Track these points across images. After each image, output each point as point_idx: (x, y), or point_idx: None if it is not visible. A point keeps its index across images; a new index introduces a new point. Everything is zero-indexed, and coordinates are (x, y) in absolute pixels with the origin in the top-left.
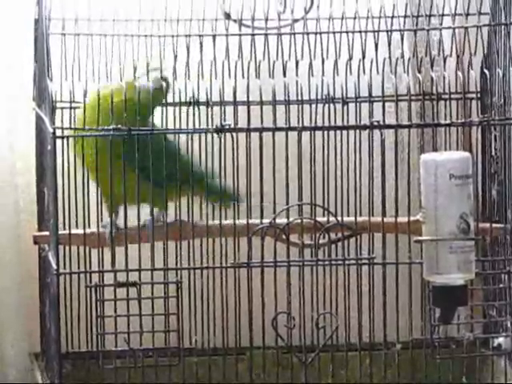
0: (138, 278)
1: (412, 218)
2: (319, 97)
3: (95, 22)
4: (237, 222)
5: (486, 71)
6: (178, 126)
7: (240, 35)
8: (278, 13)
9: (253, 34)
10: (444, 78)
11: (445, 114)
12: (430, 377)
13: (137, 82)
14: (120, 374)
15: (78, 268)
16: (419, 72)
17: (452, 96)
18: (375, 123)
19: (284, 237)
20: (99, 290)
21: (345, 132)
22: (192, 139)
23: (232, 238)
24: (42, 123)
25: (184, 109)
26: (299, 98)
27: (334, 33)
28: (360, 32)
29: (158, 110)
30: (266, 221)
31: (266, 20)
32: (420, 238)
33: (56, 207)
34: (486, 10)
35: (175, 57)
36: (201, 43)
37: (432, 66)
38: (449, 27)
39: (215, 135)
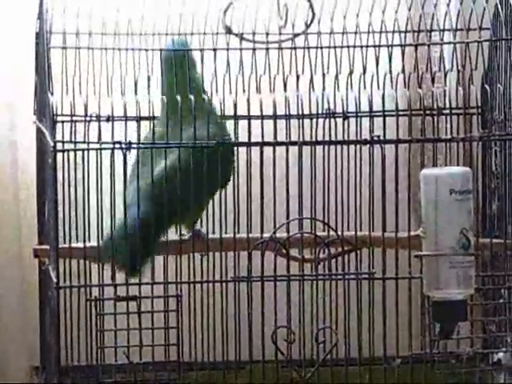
0: (137, 292)
1: (412, 233)
2: (320, 111)
3: (96, 36)
4: (237, 236)
5: (486, 86)
6: None
7: (241, 49)
8: (279, 27)
9: (254, 49)
10: (445, 93)
11: (445, 128)
12: None
13: None
14: None
15: (78, 282)
16: (420, 87)
17: (453, 111)
18: (376, 138)
19: (284, 251)
20: (99, 304)
21: (345, 147)
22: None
23: (232, 252)
24: (43, 136)
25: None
26: (300, 112)
27: (334, 47)
28: (361, 47)
29: None
30: (266, 235)
31: (267, 34)
32: (420, 253)
33: (56, 221)
34: (486, 25)
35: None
36: (202, 57)
37: (433, 81)
38: (449, 42)
39: None
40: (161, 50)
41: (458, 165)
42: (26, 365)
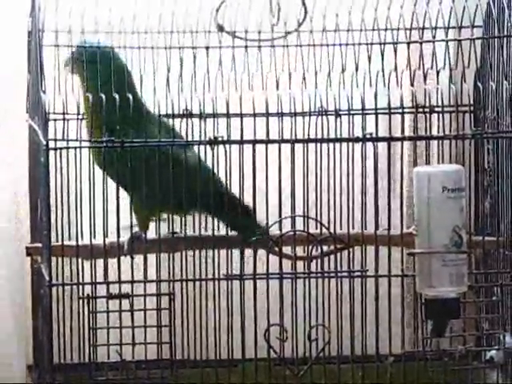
0: (130, 290)
1: (405, 231)
2: (312, 109)
3: (88, 34)
4: (229, 233)
5: (479, 84)
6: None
7: (233, 47)
8: (271, 25)
9: (246, 46)
10: (437, 90)
11: (438, 126)
12: None
13: None
14: None
15: (71, 280)
16: (412, 85)
17: (445, 109)
18: (368, 136)
19: (277, 249)
20: (92, 302)
21: (338, 144)
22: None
23: (225, 250)
24: (35, 135)
25: (177, 121)
26: (292, 110)
27: (327, 45)
28: (353, 44)
29: None
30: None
31: (260, 32)
32: (413, 250)
33: (49, 219)
34: (479, 22)
35: (168, 68)
36: (194, 55)
37: (425, 78)
38: (442, 40)
39: (208, 147)
40: (152, 47)
41: (450, 162)
42: (18, 363)
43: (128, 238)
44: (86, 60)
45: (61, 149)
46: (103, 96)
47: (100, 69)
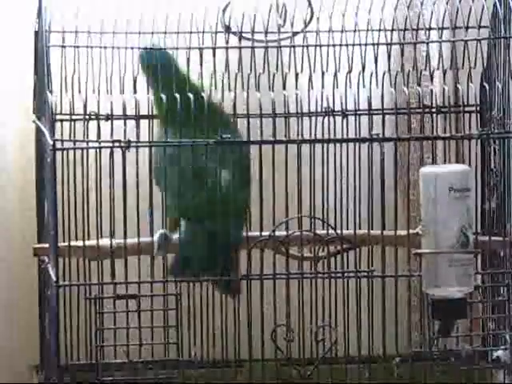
0: (137, 291)
1: (411, 231)
2: (319, 109)
3: (95, 35)
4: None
5: (485, 84)
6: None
7: (240, 48)
8: (277, 26)
9: (253, 47)
10: (444, 91)
11: (444, 127)
12: None
13: None
14: None
15: (78, 280)
16: (419, 85)
17: (451, 109)
18: (375, 136)
19: (283, 249)
20: (99, 303)
21: (344, 145)
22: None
23: None
24: (42, 135)
25: None
26: (299, 110)
27: (333, 45)
28: (360, 45)
29: None
30: (265, 233)
31: (266, 33)
32: (419, 250)
33: (56, 219)
34: (485, 23)
35: None
36: (201, 55)
37: (432, 79)
38: (448, 40)
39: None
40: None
41: (455, 163)
42: (25, 363)
43: (158, 237)
44: (157, 61)
45: (67, 149)
46: (177, 96)
47: (168, 70)
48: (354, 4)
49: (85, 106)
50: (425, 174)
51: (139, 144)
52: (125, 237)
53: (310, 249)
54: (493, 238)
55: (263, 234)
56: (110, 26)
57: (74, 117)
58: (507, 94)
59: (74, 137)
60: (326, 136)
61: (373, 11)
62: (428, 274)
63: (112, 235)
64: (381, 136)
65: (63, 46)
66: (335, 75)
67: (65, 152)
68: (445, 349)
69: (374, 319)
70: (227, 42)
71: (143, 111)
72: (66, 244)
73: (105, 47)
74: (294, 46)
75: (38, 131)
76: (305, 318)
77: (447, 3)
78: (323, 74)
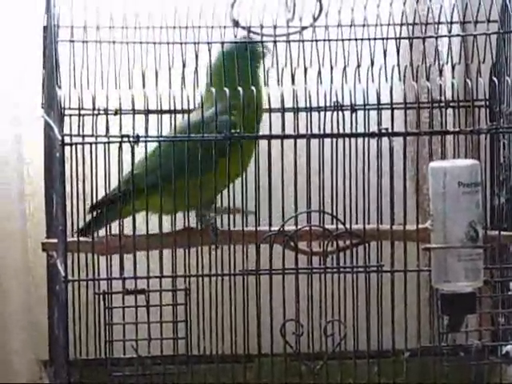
0: (146, 286)
1: (420, 226)
2: (328, 104)
3: (104, 29)
4: (245, 229)
5: (494, 79)
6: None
7: (249, 43)
8: (286, 20)
9: (261, 42)
10: (453, 85)
11: (453, 121)
12: None
13: None
14: (128, 381)
15: (87, 275)
16: (428, 80)
17: (461, 104)
18: (384, 131)
19: (292, 244)
20: (107, 298)
21: (353, 139)
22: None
23: (240, 246)
24: (51, 130)
25: None
26: (308, 105)
27: (342, 40)
28: (369, 39)
29: None
30: (274, 228)
31: (275, 27)
32: (428, 245)
33: (64, 214)
34: (494, 17)
35: (184, 64)
36: (209, 50)
37: (441, 73)
38: (457, 35)
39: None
40: (168, 43)
41: (465, 157)
42: (34, 359)
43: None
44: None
45: (76, 144)
46: (240, 89)
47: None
48: None
49: (93, 101)
50: (434, 169)
51: (148, 139)
52: (133, 231)
53: (319, 243)
54: (502, 233)
55: (272, 228)
56: (118, 21)
57: (82, 112)
58: None
59: (83, 132)
60: (335, 130)
61: (382, 5)
62: (437, 269)
63: (121, 230)
64: (390, 130)
65: (72, 41)
66: (344, 70)
67: (73, 147)
68: (454, 344)
69: (383, 314)
70: (236, 37)
71: (152, 106)
72: (75, 239)
73: (114, 42)
74: (302, 41)
75: (47, 126)
76: (314, 313)
77: None
78: (332, 68)
